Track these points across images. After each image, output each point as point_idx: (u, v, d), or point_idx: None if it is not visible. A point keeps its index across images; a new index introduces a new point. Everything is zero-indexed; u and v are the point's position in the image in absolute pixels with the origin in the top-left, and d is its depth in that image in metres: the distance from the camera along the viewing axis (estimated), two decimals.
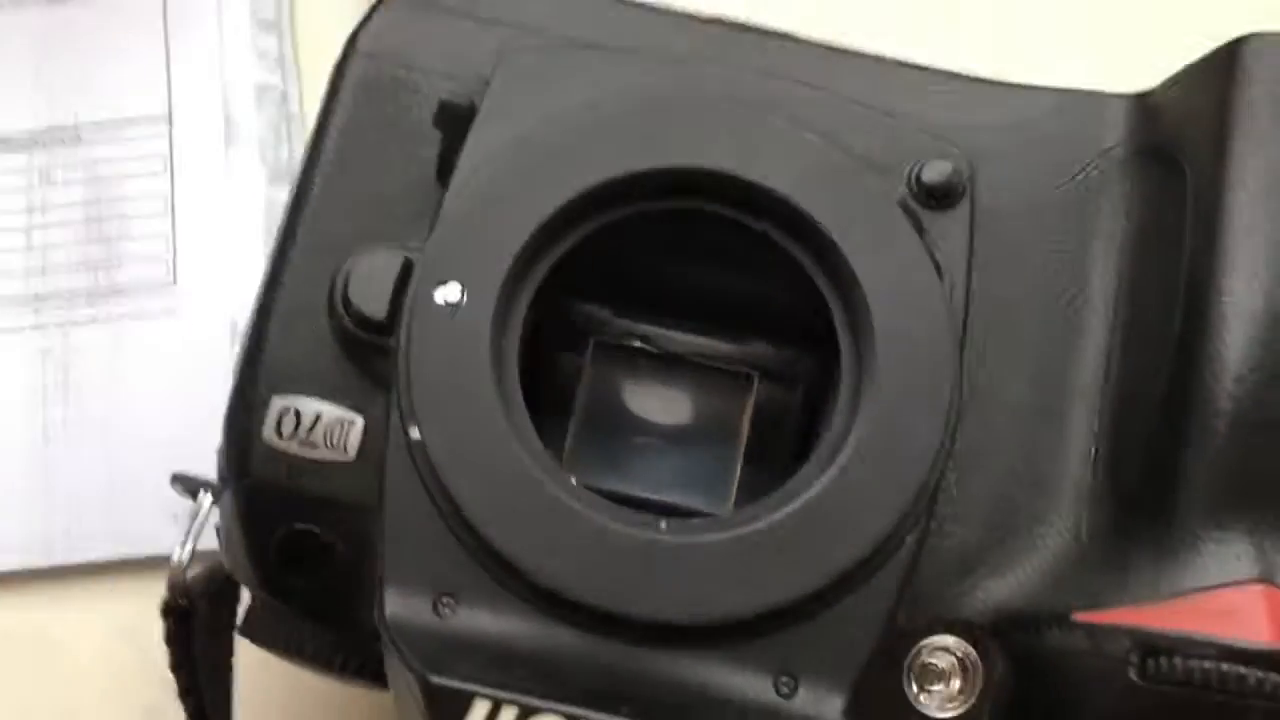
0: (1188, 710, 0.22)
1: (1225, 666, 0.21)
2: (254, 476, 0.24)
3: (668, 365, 0.27)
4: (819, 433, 0.25)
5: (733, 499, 0.26)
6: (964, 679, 0.24)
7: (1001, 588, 0.24)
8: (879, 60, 0.27)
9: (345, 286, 0.24)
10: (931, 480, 0.23)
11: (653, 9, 0.27)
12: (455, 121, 0.25)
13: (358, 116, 0.26)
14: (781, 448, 0.26)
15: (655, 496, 0.26)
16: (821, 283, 0.25)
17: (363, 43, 0.26)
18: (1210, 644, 0.22)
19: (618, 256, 0.26)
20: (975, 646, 0.24)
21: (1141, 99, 0.27)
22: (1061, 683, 0.23)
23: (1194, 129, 0.25)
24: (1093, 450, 0.25)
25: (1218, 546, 0.22)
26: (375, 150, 0.26)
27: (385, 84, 0.26)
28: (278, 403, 0.24)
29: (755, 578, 0.23)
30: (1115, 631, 0.22)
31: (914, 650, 0.24)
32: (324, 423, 0.24)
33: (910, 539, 0.23)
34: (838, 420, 0.24)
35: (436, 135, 0.25)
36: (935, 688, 0.24)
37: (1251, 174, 0.24)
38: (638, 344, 0.27)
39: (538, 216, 0.24)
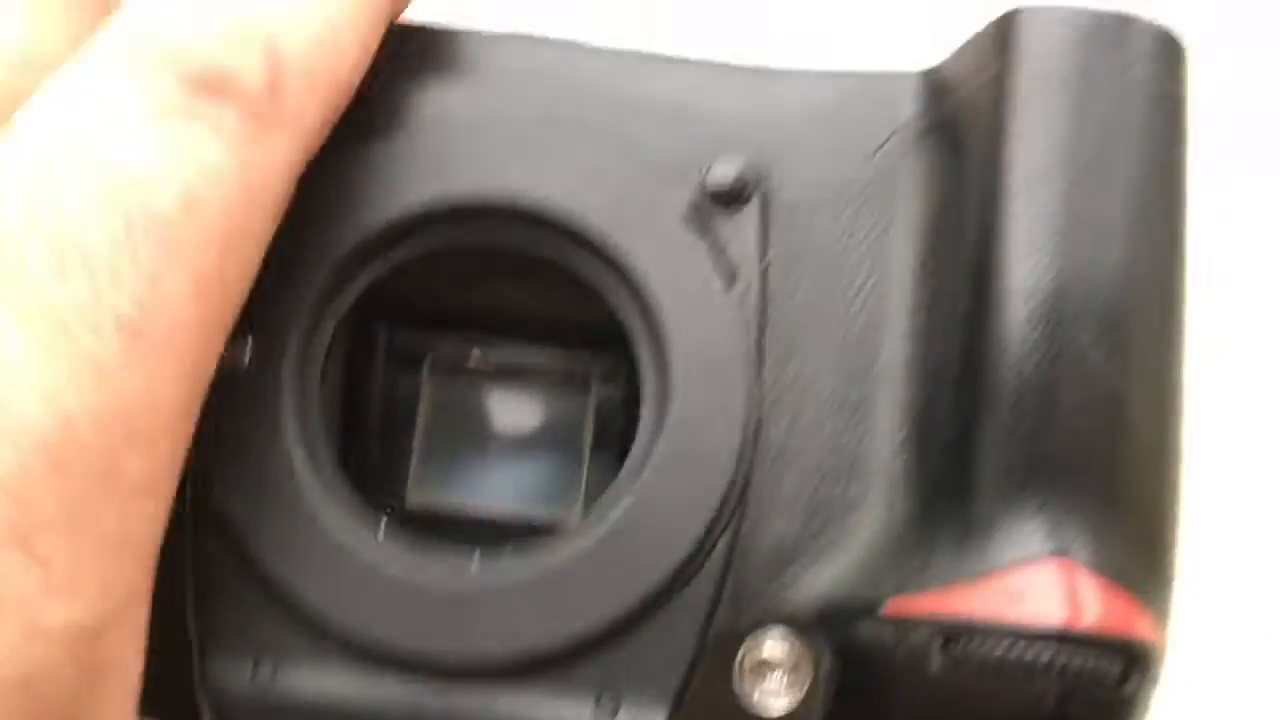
0: (989, 696, 0.22)
1: (1019, 648, 0.22)
2: None
3: (506, 377, 0.27)
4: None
5: (581, 504, 0.26)
6: (793, 674, 0.24)
7: (822, 579, 0.24)
8: (671, 61, 0.27)
9: None
10: (736, 483, 0.24)
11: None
12: None
13: None
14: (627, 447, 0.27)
15: (503, 510, 0.26)
16: (614, 299, 0.25)
17: None
18: (1003, 627, 0.22)
19: (426, 284, 0.26)
20: (801, 640, 0.24)
21: (930, 74, 0.26)
22: (876, 675, 0.23)
23: (971, 105, 0.25)
24: (900, 435, 0.25)
25: (1012, 524, 0.22)
26: None
27: None
28: None
29: (565, 607, 0.23)
30: (917, 620, 0.23)
31: (742, 649, 0.24)
32: None
33: (722, 543, 0.24)
34: (642, 435, 0.24)
35: None
36: (765, 685, 0.24)
37: (1025, 151, 0.24)
38: (474, 360, 0.27)
39: (321, 263, 0.24)
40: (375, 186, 0.25)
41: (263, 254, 0.21)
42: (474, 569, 0.23)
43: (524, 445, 0.27)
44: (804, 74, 0.27)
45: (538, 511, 0.26)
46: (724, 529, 0.24)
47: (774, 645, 0.24)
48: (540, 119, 0.25)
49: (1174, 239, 0.24)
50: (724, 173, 0.25)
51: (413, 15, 0.26)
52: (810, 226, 0.26)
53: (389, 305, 0.26)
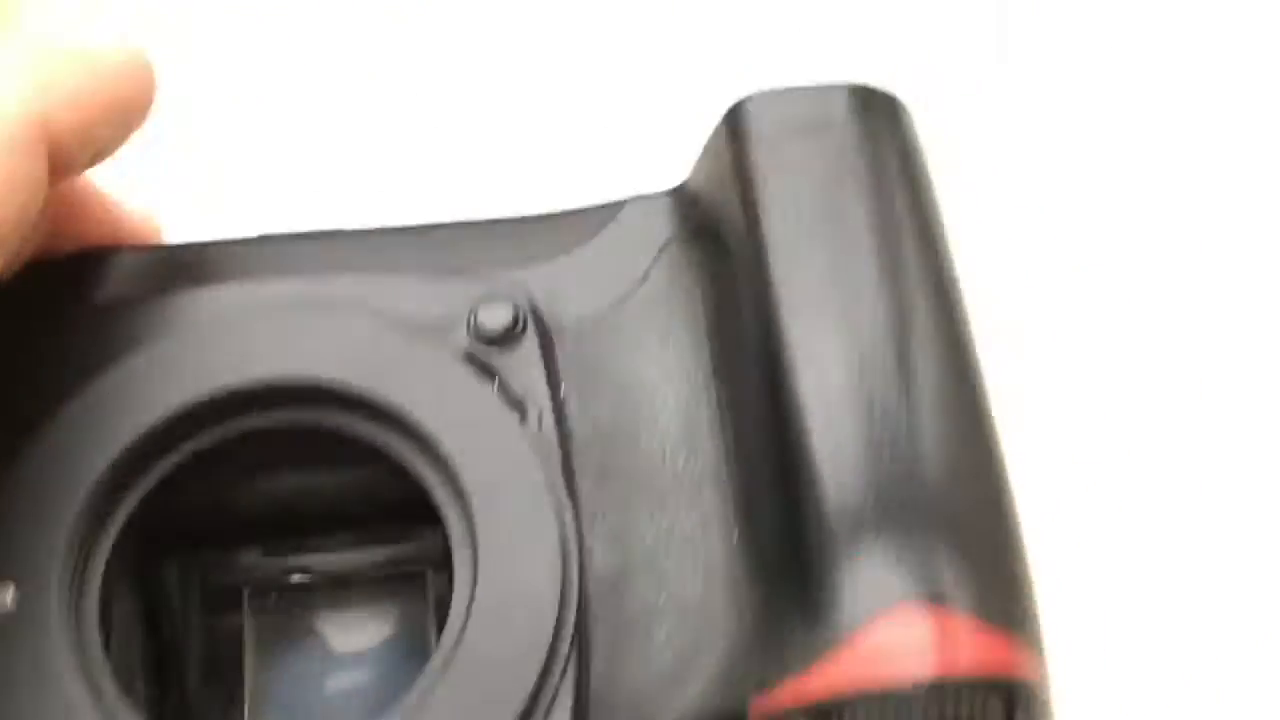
0: None
1: (897, 713, 0.20)
2: None
3: (335, 590, 0.25)
4: None
5: None
6: None
7: (684, 701, 0.22)
8: (421, 228, 0.26)
9: None
10: (565, 623, 0.22)
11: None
12: None
13: None
14: None
15: None
16: (408, 462, 0.23)
17: None
18: (874, 694, 0.20)
19: (206, 495, 0.24)
20: None
21: (680, 189, 0.27)
22: None
23: (723, 202, 0.25)
24: (734, 535, 0.23)
25: (855, 581, 0.21)
26: None
27: None
28: None
29: None
30: (784, 715, 0.21)
31: None
32: None
33: (564, 690, 0.21)
34: (459, 592, 0.22)
35: None
36: None
37: (781, 238, 0.24)
38: (297, 578, 0.25)
39: (78, 488, 0.22)
40: (129, 398, 0.23)
41: None
42: None
43: (367, 659, 0.25)
44: (562, 213, 0.27)
45: None
46: (563, 673, 0.22)
47: None
48: (292, 307, 0.25)
49: (936, 272, 0.24)
50: (491, 316, 0.24)
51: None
52: (596, 351, 0.25)
53: (175, 528, 0.24)
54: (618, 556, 0.23)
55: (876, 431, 0.22)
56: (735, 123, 0.25)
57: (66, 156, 0.23)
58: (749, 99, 0.25)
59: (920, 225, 0.24)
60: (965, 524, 0.21)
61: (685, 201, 0.26)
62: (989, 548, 0.22)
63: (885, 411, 0.22)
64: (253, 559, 0.25)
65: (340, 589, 0.25)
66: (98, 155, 0.24)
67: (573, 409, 0.24)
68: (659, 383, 0.25)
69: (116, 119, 0.24)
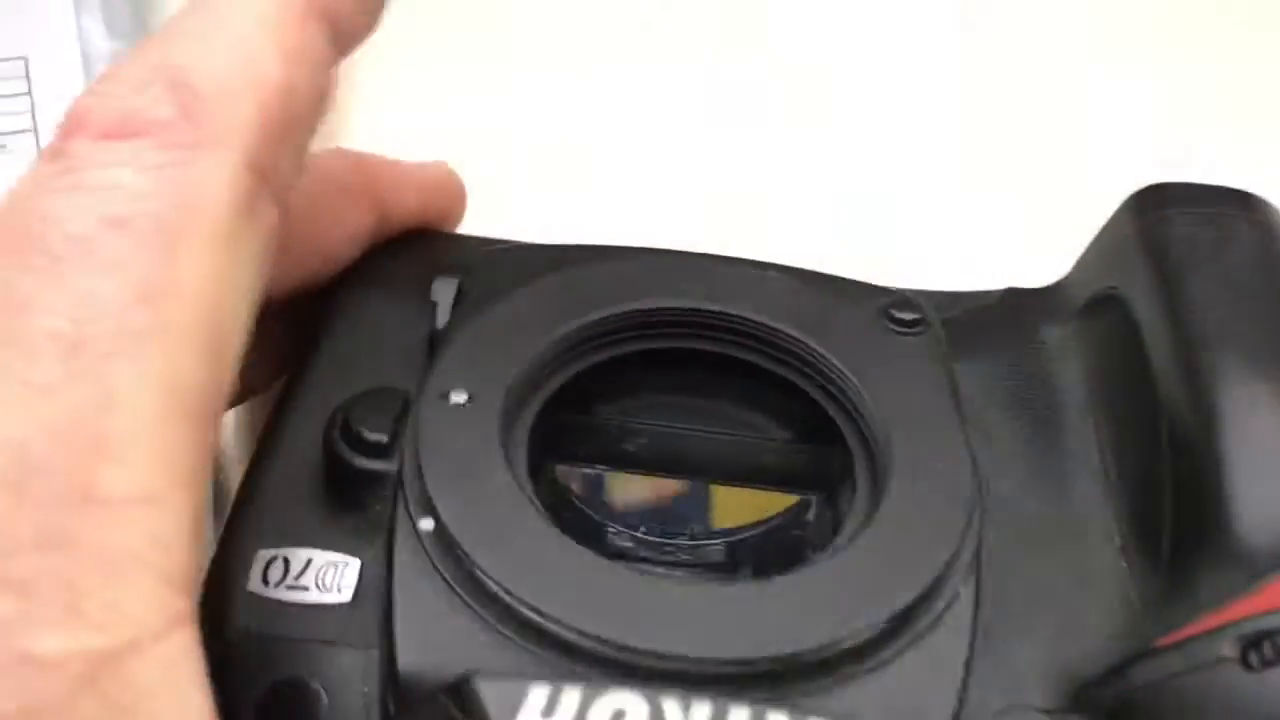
0: None
1: None
2: (235, 627, 0.22)
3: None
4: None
5: None
6: None
7: (1068, 667, 0.22)
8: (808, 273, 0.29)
9: (345, 419, 0.23)
10: (972, 529, 0.22)
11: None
12: (446, 293, 0.26)
13: (357, 308, 0.27)
14: None
15: None
16: (823, 399, 0.25)
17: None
18: None
19: (603, 406, 0.26)
20: None
21: (1055, 287, 0.29)
22: (1167, 718, 0.21)
23: (1124, 277, 0.27)
24: (1117, 540, 0.24)
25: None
26: (373, 324, 0.26)
27: (387, 281, 0.27)
28: (263, 555, 0.23)
29: (812, 619, 0.20)
30: (1207, 638, 0.21)
31: None
32: (315, 566, 0.22)
33: (964, 591, 0.22)
34: (859, 505, 0.23)
35: (427, 317, 0.26)
36: None
37: (1200, 295, 0.25)
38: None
39: (534, 345, 0.24)
40: (584, 295, 0.26)
41: (244, 260, 0.21)
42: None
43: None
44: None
45: None
46: (966, 577, 0.22)
47: None
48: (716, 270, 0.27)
49: None
50: (905, 307, 0.27)
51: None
52: (980, 388, 0.27)
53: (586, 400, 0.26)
54: (999, 532, 0.24)
55: None
56: (1142, 202, 0.28)
57: (345, 31, 0.23)
58: (1152, 186, 0.28)
59: None
60: None
61: (1061, 292, 0.29)
62: None
63: None
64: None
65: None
66: (362, 31, 0.25)
67: (964, 401, 0.26)
68: (1031, 422, 0.26)
69: None
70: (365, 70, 0.27)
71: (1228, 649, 0.20)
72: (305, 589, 0.22)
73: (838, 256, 0.29)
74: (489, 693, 0.18)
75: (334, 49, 0.23)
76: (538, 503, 0.22)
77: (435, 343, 0.25)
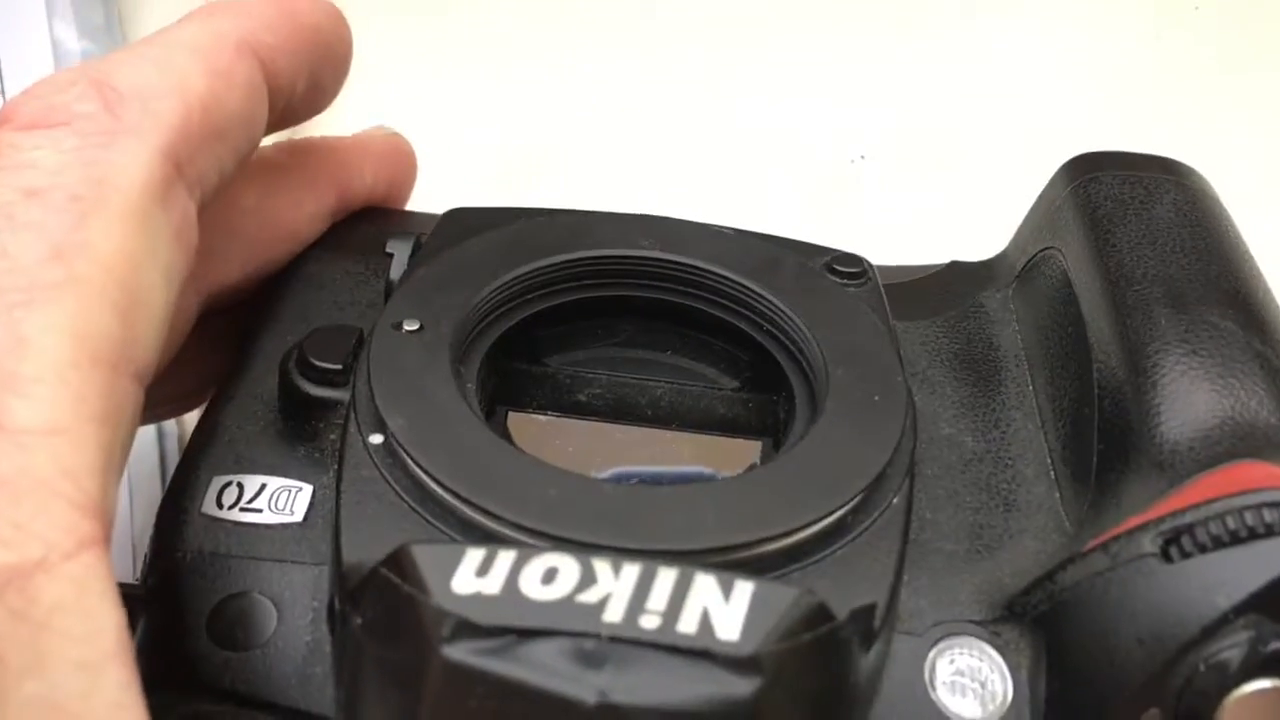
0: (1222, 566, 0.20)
1: (1257, 516, 0.20)
2: (187, 546, 0.22)
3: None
4: None
5: None
6: (986, 685, 0.22)
7: (1000, 582, 0.23)
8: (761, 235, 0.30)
9: (301, 351, 0.24)
10: (906, 441, 0.23)
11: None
12: (403, 247, 0.27)
13: (312, 273, 0.28)
14: None
15: None
16: (764, 338, 0.26)
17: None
18: (1231, 505, 0.21)
19: (552, 356, 0.27)
20: (993, 644, 0.22)
21: (996, 258, 0.30)
22: (1092, 614, 0.21)
23: (1062, 225, 0.28)
24: (1051, 474, 0.25)
25: (1202, 442, 0.22)
26: (332, 278, 0.27)
27: (343, 250, 0.28)
28: (218, 480, 0.23)
29: (746, 520, 0.21)
30: (1128, 536, 0.21)
31: (929, 656, 0.22)
32: (269, 491, 0.23)
33: (897, 500, 0.22)
34: (798, 423, 0.24)
35: (383, 280, 0.27)
36: (963, 698, 0.22)
37: (1127, 242, 0.27)
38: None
39: (486, 283, 0.25)
40: (537, 242, 0.27)
41: (156, 236, 0.22)
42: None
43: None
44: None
45: None
46: (897, 489, 0.23)
47: (964, 654, 0.22)
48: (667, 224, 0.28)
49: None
50: (848, 260, 0.28)
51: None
52: (919, 341, 0.28)
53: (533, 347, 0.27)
54: (934, 452, 0.25)
55: (1215, 339, 0.24)
56: (1074, 167, 0.29)
57: (279, 75, 0.25)
58: (1083, 154, 0.29)
59: (1239, 245, 0.27)
60: None
61: (1001, 262, 0.30)
62: None
63: (1223, 332, 0.24)
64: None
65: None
66: (314, 93, 0.27)
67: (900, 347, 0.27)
68: (968, 372, 0.27)
69: (318, 51, 0.26)
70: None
71: (1149, 545, 0.21)
72: (258, 510, 0.23)
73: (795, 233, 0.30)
74: (424, 556, 0.18)
75: (268, 87, 0.25)
76: (483, 418, 0.23)
77: (390, 292, 0.26)
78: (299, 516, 0.23)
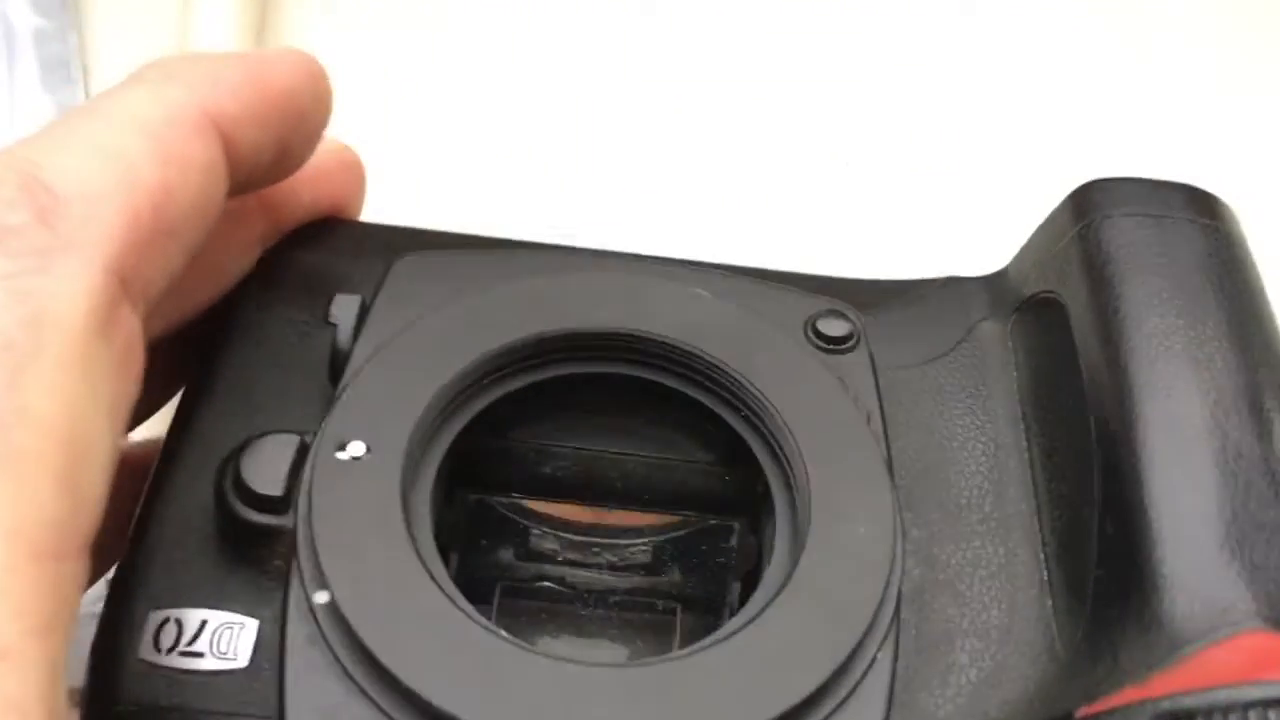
0: None
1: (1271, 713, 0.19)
2: (126, 698, 0.21)
3: (582, 605, 0.25)
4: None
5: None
6: None
7: (992, 705, 0.22)
8: (740, 271, 0.28)
9: (236, 471, 0.22)
10: (893, 586, 0.22)
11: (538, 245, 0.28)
12: (347, 313, 0.24)
13: (251, 329, 0.25)
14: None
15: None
16: (741, 427, 0.24)
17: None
18: (1234, 697, 0.19)
19: (519, 431, 0.25)
20: None
21: (996, 277, 0.28)
22: None
23: (1062, 265, 0.26)
24: (1044, 574, 0.23)
25: (1206, 604, 0.21)
26: (268, 351, 0.25)
27: (283, 293, 0.25)
28: (155, 617, 0.22)
29: (724, 702, 0.20)
30: (1126, 712, 0.20)
31: None
32: (210, 629, 0.22)
33: (883, 656, 0.21)
34: (778, 551, 0.23)
35: (328, 335, 0.24)
36: None
37: (1135, 307, 0.24)
38: (547, 584, 0.25)
39: (440, 378, 0.23)
40: (489, 322, 0.24)
41: (101, 377, 0.19)
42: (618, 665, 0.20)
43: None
44: (878, 281, 0.28)
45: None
46: (884, 640, 0.21)
47: None
48: (650, 281, 0.26)
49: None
50: (833, 324, 0.25)
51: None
52: (910, 397, 0.26)
53: (478, 465, 0.25)
54: (924, 571, 0.23)
55: (1229, 465, 0.22)
56: (1083, 201, 0.26)
57: (242, 150, 0.23)
58: (1096, 183, 0.27)
59: (1263, 308, 0.25)
60: None
61: (1002, 284, 0.28)
62: None
63: (1239, 450, 0.22)
64: (513, 560, 0.25)
65: (585, 605, 0.25)
66: (282, 162, 0.24)
67: (889, 427, 0.25)
68: (966, 434, 0.25)
69: (290, 120, 0.24)
70: None
71: None
72: (200, 655, 0.21)
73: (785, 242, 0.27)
74: None
75: (228, 164, 0.22)
76: (439, 576, 0.21)
77: (336, 367, 0.24)
78: (243, 661, 0.21)
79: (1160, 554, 0.21)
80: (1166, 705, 0.20)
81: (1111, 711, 0.20)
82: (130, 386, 0.20)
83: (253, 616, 0.22)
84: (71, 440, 0.18)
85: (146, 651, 0.21)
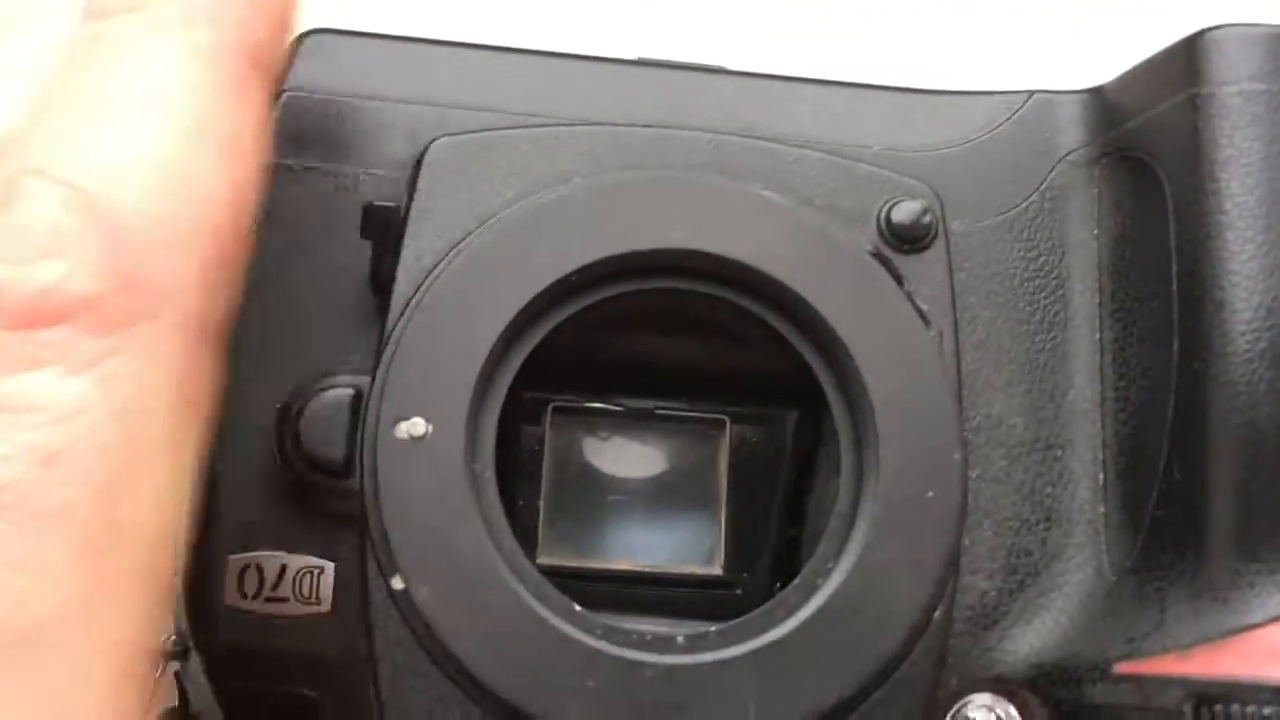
0: None
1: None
2: (222, 644, 0.22)
3: (631, 420, 0.25)
4: (813, 491, 0.24)
5: (722, 556, 0.24)
6: None
7: (1032, 637, 0.23)
8: (815, 84, 0.25)
9: (296, 433, 0.22)
10: (955, 547, 0.22)
11: (570, 60, 0.25)
12: (384, 228, 0.23)
13: (288, 236, 0.23)
14: (767, 497, 0.25)
15: (641, 567, 0.24)
16: (806, 351, 0.23)
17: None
18: (1266, 688, 0.21)
19: (580, 345, 0.24)
20: (1013, 701, 0.23)
21: (1095, 96, 0.25)
22: None
23: (1164, 133, 0.24)
24: (1100, 478, 0.24)
25: (1257, 580, 0.21)
26: (306, 274, 0.23)
27: (314, 187, 0.24)
28: (235, 563, 0.22)
29: (785, 688, 0.21)
30: (1164, 682, 0.21)
31: (951, 713, 0.23)
32: (290, 574, 0.22)
33: (938, 614, 0.22)
34: (843, 496, 0.23)
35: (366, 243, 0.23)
36: None
37: (1236, 180, 0.23)
38: (598, 405, 0.25)
39: (493, 330, 0.22)
40: (537, 247, 0.23)
41: (190, 451, 0.18)
42: (682, 650, 0.21)
43: (654, 492, 0.25)
44: (960, 94, 0.25)
45: (678, 566, 0.25)
46: (939, 599, 0.22)
47: (985, 710, 0.23)
48: (703, 169, 0.24)
49: None
50: (907, 212, 0.24)
51: None
52: (983, 260, 0.24)
53: (541, 371, 0.24)
54: (979, 484, 0.23)
55: None
56: (1195, 53, 0.23)
57: (276, 70, 0.20)
58: (1215, 29, 0.24)
59: None
60: None
61: (1101, 112, 0.25)
62: None
63: None
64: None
65: (635, 419, 0.25)
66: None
67: (961, 321, 0.24)
68: (1039, 305, 0.24)
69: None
70: None
71: (1183, 703, 0.21)
72: (284, 599, 0.22)
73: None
74: None
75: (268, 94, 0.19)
76: (512, 552, 0.22)
77: (379, 283, 0.23)
78: (326, 606, 0.22)
79: (1221, 523, 0.22)
80: (1205, 685, 0.21)
81: (1151, 678, 0.21)
82: (208, 421, 0.19)
83: (330, 559, 0.22)
84: (158, 542, 0.17)
85: (232, 598, 0.22)
